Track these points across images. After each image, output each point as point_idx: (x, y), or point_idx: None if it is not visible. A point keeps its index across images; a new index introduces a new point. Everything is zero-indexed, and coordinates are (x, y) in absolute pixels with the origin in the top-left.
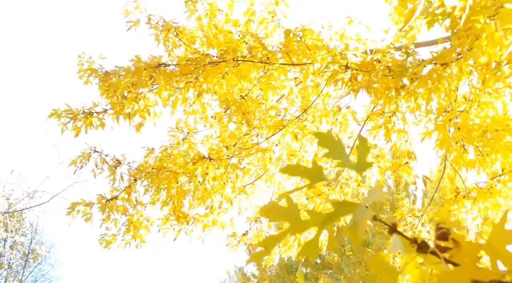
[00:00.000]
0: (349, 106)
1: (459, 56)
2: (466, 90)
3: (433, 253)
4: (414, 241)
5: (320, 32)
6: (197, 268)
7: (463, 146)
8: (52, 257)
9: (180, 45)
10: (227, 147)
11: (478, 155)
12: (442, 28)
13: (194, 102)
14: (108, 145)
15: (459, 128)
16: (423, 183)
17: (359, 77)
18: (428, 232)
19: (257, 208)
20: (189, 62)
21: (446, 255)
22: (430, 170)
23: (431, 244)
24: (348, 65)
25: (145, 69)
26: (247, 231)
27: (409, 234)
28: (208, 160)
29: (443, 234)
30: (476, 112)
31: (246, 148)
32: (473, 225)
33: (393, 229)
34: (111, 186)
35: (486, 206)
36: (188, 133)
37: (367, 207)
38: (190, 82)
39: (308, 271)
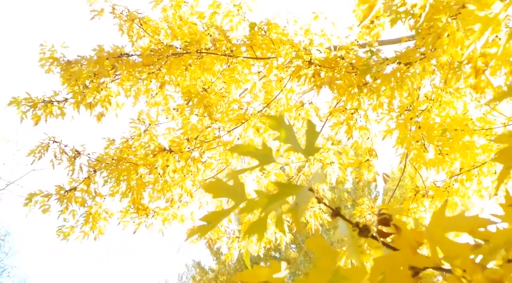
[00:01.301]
0: (312, 102)
1: (423, 56)
2: (428, 89)
3: (373, 237)
4: (356, 225)
5: (285, 26)
6: (156, 261)
7: (424, 145)
8: (7, 245)
9: (144, 36)
10: (188, 140)
11: (438, 154)
12: (406, 27)
13: (156, 94)
14: (68, 135)
15: (420, 127)
16: (383, 181)
17: (323, 73)
18: None
19: (218, 201)
20: (152, 53)
21: (387, 240)
22: (391, 168)
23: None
24: (312, 61)
25: (107, 58)
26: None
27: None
28: (169, 152)
29: (384, 220)
30: (437, 111)
31: (208, 141)
32: None
33: (335, 213)
34: (70, 177)
35: (447, 197)
36: (150, 125)
37: (310, 190)
38: (153, 73)
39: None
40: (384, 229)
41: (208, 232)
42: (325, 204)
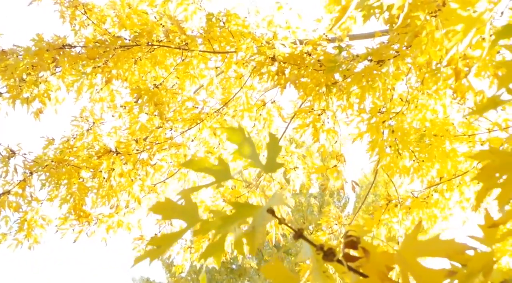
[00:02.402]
0: (274, 101)
1: (397, 54)
2: (403, 89)
3: (340, 261)
4: (320, 247)
5: (246, 17)
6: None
7: (397, 150)
8: None
9: (88, 25)
10: (136, 141)
11: (414, 161)
12: (380, 21)
13: (101, 89)
14: (2, 133)
15: (393, 131)
16: (351, 189)
17: (287, 71)
18: None
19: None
20: (97, 44)
21: (355, 265)
22: (363, 171)
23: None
24: (276, 56)
25: (47, 50)
26: (156, 234)
27: (334, 243)
28: (115, 154)
29: (352, 242)
30: (413, 114)
31: (158, 143)
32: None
33: (298, 235)
34: (3, 179)
35: (420, 217)
36: (94, 123)
37: (269, 210)
38: (98, 66)
39: (222, 278)
40: (352, 252)
41: (158, 256)
42: (286, 224)
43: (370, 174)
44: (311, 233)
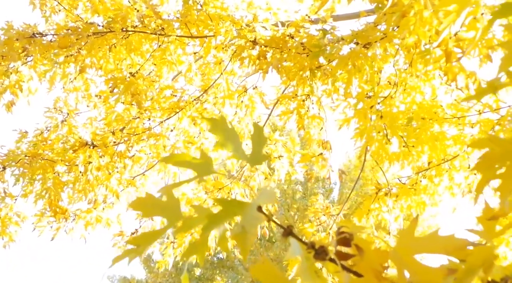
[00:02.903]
0: (256, 87)
1: (384, 35)
2: (391, 71)
3: (332, 260)
4: (311, 246)
5: None
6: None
7: (386, 136)
8: None
9: (59, 11)
10: (113, 133)
11: (403, 146)
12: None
13: (75, 78)
14: None
15: (381, 116)
16: (338, 178)
17: (269, 55)
18: None
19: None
20: (70, 31)
21: (348, 263)
22: (347, 155)
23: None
24: (257, 40)
25: (17, 39)
26: (136, 229)
27: (322, 235)
28: (91, 147)
29: (345, 239)
30: (402, 97)
31: (136, 134)
32: (395, 224)
33: (287, 232)
34: None
35: (409, 204)
36: (68, 114)
37: (258, 209)
38: (71, 55)
39: (201, 271)
40: (345, 250)
41: (138, 256)
42: (275, 222)
43: (355, 157)
44: (296, 221)
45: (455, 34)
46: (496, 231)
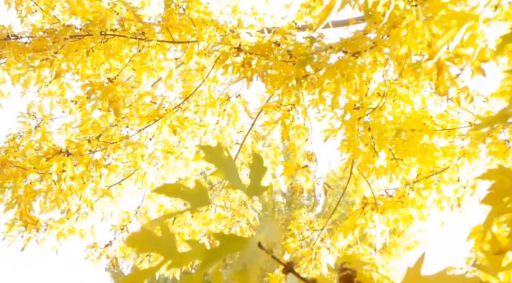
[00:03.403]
0: (240, 95)
1: (374, 44)
2: (380, 81)
3: None
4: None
5: (208, 3)
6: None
7: (373, 148)
8: None
9: (36, 11)
10: (89, 141)
11: (391, 159)
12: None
13: (50, 82)
14: None
15: (369, 128)
16: (323, 191)
17: (254, 62)
18: (329, 249)
19: (124, 213)
20: (46, 34)
21: None
22: (330, 166)
23: None
24: (241, 47)
25: None
26: (111, 241)
27: (305, 250)
28: (66, 155)
29: (347, 277)
30: (390, 107)
31: (113, 142)
32: (381, 237)
33: (288, 269)
34: None
35: (396, 217)
36: (42, 119)
37: (259, 246)
38: (47, 59)
39: None
40: None
41: None
42: (274, 257)
43: (338, 169)
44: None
45: (453, 51)
46: (503, 265)
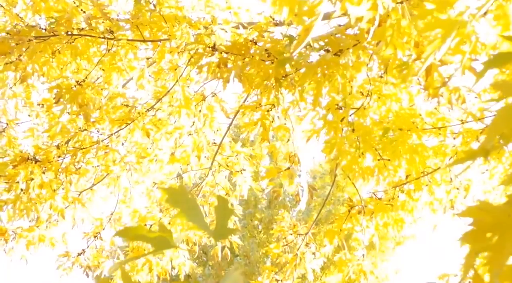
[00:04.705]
0: (216, 94)
1: (357, 42)
2: (363, 77)
3: None
4: None
5: None
6: None
7: (359, 148)
8: None
9: None
10: (58, 147)
11: (378, 160)
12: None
13: (15, 84)
14: None
15: (353, 130)
16: (308, 195)
17: (230, 64)
18: (314, 253)
19: (97, 220)
20: (9, 35)
21: None
22: (313, 161)
23: None
24: (216, 46)
25: None
26: (83, 249)
27: (289, 256)
28: (34, 162)
29: None
30: (375, 106)
31: (83, 148)
32: (368, 242)
33: None
34: None
35: (385, 221)
36: (7, 124)
37: None
38: (11, 62)
39: None
40: None
41: None
42: None
43: (324, 163)
44: (260, 232)
45: (440, 59)
46: None
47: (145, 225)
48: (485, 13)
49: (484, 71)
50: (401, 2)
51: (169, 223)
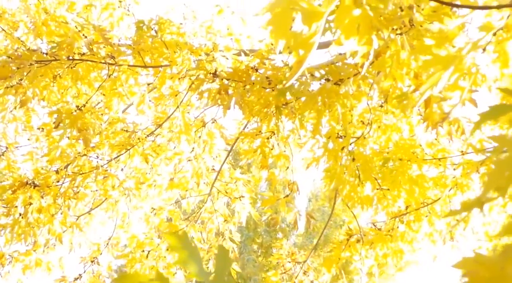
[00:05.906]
0: (216, 120)
1: (357, 71)
2: (363, 107)
3: None
4: None
5: (181, 24)
6: None
7: (359, 177)
8: None
9: None
10: (57, 172)
11: (377, 189)
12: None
13: (15, 108)
14: None
15: (354, 159)
16: (306, 224)
17: (231, 90)
18: (312, 282)
19: (94, 244)
20: (10, 59)
21: None
22: (314, 184)
23: None
24: (217, 72)
25: None
26: (80, 274)
27: None
28: (33, 186)
29: None
30: (375, 136)
31: (83, 173)
32: (367, 273)
33: None
34: None
35: (385, 252)
36: (7, 148)
37: None
38: (12, 86)
39: None
40: None
41: None
42: None
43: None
44: (258, 256)
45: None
46: None
47: (143, 251)
48: (484, 49)
49: (480, 122)
50: (400, 34)
51: (167, 250)
